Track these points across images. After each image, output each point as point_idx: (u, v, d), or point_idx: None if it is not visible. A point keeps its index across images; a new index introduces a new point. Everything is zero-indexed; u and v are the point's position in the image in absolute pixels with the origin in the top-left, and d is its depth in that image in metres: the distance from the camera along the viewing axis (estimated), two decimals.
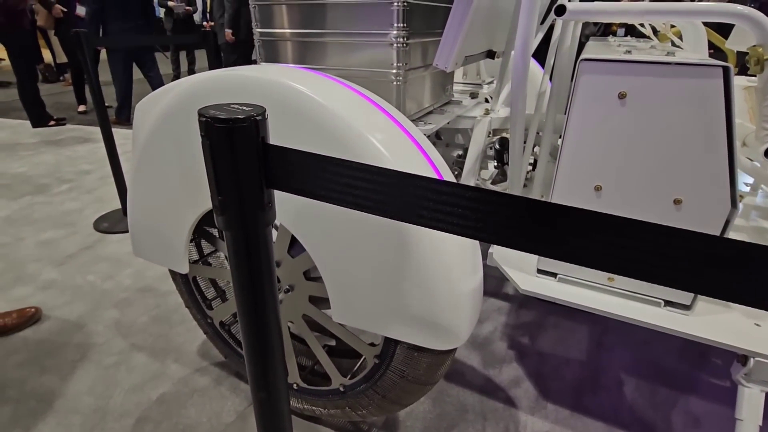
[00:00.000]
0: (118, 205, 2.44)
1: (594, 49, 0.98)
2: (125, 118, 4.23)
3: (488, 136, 1.53)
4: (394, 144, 0.79)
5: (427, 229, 0.76)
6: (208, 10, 6.43)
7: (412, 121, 1.29)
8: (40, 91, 4.07)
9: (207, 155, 0.38)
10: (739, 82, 0.86)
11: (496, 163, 1.67)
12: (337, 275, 0.83)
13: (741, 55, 1.69)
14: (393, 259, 0.77)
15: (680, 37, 1.60)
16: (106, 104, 4.98)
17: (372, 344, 0.99)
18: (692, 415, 1.22)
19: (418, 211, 0.34)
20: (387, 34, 1.10)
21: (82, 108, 4.76)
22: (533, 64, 1.95)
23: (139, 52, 4.05)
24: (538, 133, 1.51)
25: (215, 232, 1.16)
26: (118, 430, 1.14)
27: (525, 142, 1.39)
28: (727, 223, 0.82)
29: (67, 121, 4.34)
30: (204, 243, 1.24)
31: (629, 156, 0.85)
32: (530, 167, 1.70)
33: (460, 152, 1.97)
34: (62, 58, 5.82)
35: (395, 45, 1.11)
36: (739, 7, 0.74)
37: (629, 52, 0.85)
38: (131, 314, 1.58)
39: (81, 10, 4.42)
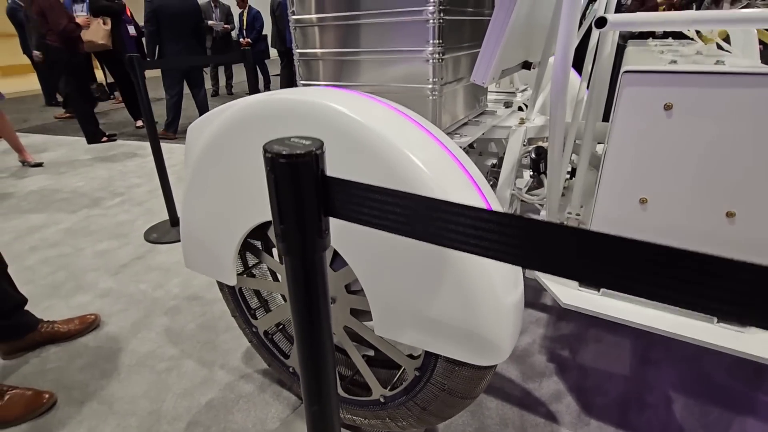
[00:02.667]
0: (165, 217, 2.58)
1: (635, 56, 0.96)
2: (173, 131, 4.50)
3: (524, 146, 1.52)
4: (433, 160, 0.81)
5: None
6: (244, 27, 6.70)
7: (448, 134, 1.30)
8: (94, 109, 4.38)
9: (271, 188, 0.41)
10: None
11: (531, 172, 1.65)
12: (379, 289, 0.86)
13: None
14: (435, 274, 0.78)
15: (727, 40, 1.53)
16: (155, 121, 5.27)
17: (411, 356, 1.00)
18: None
19: (470, 240, 0.36)
20: (423, 51, 1.13)
21: (139, 123, 5.08)
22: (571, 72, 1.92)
23: (191, 71, 4.33)
24: (575, 141, 1.48)
25: (260, 245, 1.21)
26: None
27: (563, 151, 1.37)
28: None
29: (117, 137, 4.63)
30: (249, 254, 1.29)
31: (677, 168, 0.83)
32: (568, 175, 1.67)
33: (494, 161, 1.96)
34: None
35: (431, 61, 1.13)
36: None
37: (674, 61, 0.83)
38: (180, 321, 1.67)
39: (132, 30, 4.75)
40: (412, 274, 0.80)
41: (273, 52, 6.72)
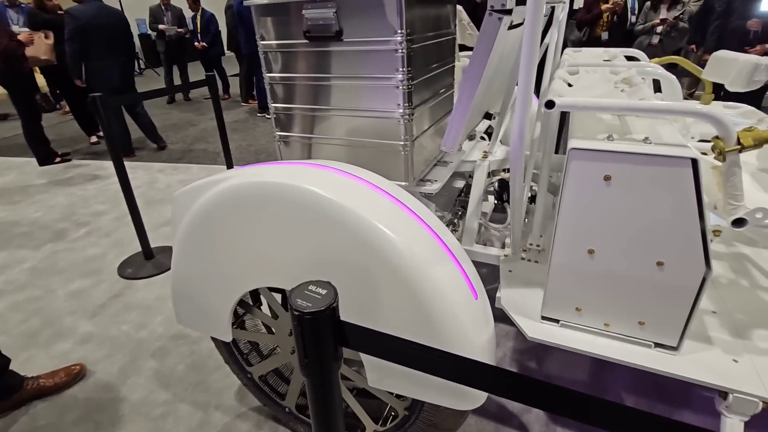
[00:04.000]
0: (137, 248, 2.55)
1: (580, 124, 1.10)
2: (128, 151, 4.36)
3: (488, 177, 1.66)
4: (394, 221, 0.91)
5: (442, 301, 0.89)
6: (199, 31, 6.48)
7: (420, 181, 1.41)
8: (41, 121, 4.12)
9: (298, 334, 0.51)
10: (707, 162, 0.99)
11: (496, 202, 1.80)
12: None
13: (716, 85, 1.82)
14: (417, 333, 0.90)
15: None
16: (101, 134, 5.03)
17: (399, 396, 1.12)
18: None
19: (436, 369, 0.47)
20: (394, 112, 1.22)
21: (94, 139, 4.84)
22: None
23: (121, 91, 4.02)
24: (534, 171, 1.63)
25: (248, 299, 1.28)
26: None
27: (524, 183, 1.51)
28: (703, 280, 0.95)
29: (71, 156, 4.43)
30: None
31: (616, 227, 0.98)
32: (528, 200, 1.83)
33: (462, 185, 2.10)
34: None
35: (401, 121, 1.23)
36: (702, 108, 0.87)
37: (611, 136, 0.97)
38: (169, 363, 1.71)
39: None
40: (398, 333, 0.91)
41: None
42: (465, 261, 1.01)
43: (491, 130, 2.08)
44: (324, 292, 0.52)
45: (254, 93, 6.32)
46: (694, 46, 4.40)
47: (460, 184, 2.06)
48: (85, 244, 2.67)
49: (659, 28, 4.15)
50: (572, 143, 0.96)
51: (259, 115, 5.90)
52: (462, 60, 1.94)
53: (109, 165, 4.15)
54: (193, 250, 1.10)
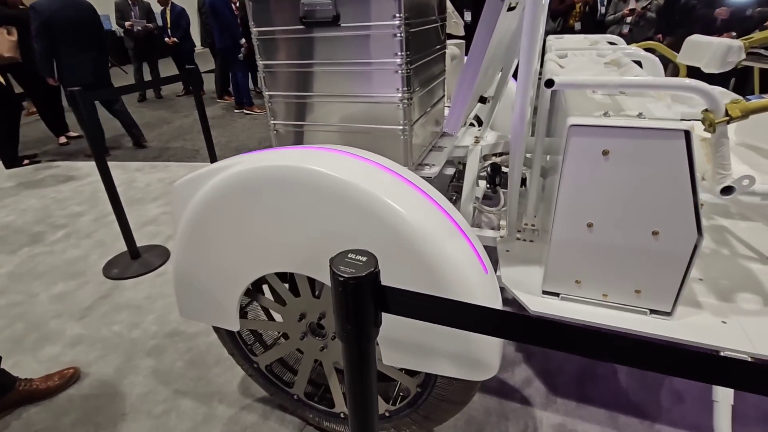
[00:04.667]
0: (121, 248, 2.47)
1: (576, 102, 1.14)
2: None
3: (480, 162, 1.69)
4: (407, 200, 0.93)
5: (457, 275, 0.91)
6: (168, 26, 6.27)
7: (418, 165, 1.43)
8: None
9: (341, 299, 0.52)
10: (697, 133, 1.04)
11: (488, 185, 1.84)
12: (386, 326, 0.98)
13: (690, 68, 1.91)
14: None
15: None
16: (77, 134, 4.83)
17: (408, 372, 1.14)
18: (676, 392, 1.44)
19: (459, 322, 0.50)
20: (394, 97, 1.23)
21: (63, 140, 4.63)
22: (512, 84, 2.12)
23: (95, 88, 3.78)
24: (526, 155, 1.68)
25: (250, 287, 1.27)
26: None
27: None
28: (695, 247, 1.01)
29: (40, 157, 4.23)
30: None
31: (614, 199, 1.02)
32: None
33: (453, 171, 2.13)
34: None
35: (400, 105, 1.24)
36: (693, 82, 0.92)
37: (607, 113, 1.01)
38: (166, 361, 1.67)
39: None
40: None
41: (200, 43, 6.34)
42: (473, 237, 1.04)
43: (479, 117, 2.11)
44: (365, 259, 0.53)
45: (230, 89, 6.19)
46: (660, 36, 4.58)
47: (450, 170, 2.09)
48: (64, 247, 2.57)
49: (629, 18, 4.30)
50: (571, 120, 1.00)
51: (236, 111, 5.79)
52: (450, 48, 1.97)
53: (81, 165, 4.00)
54: (197, 239, 1.09)
